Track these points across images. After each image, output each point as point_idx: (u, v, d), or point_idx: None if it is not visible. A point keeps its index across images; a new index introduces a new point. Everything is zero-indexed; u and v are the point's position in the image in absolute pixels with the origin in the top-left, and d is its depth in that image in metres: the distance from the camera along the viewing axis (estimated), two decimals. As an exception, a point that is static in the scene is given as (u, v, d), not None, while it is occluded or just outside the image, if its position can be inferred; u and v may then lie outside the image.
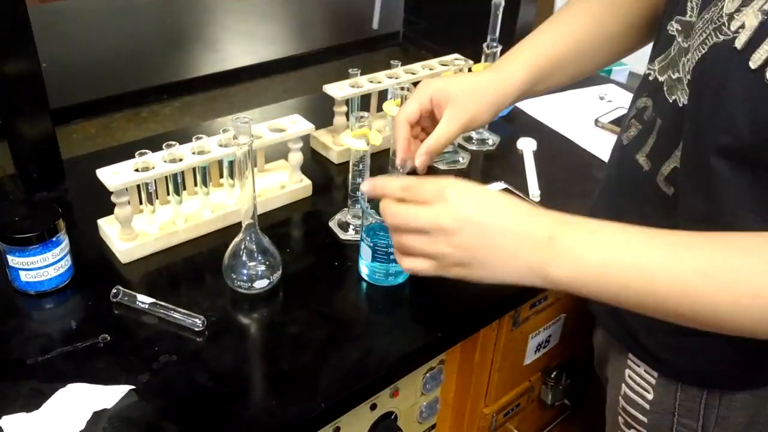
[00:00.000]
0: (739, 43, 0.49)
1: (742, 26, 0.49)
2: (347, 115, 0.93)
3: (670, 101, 0.58)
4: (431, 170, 0.94)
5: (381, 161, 0.88)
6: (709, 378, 0.61)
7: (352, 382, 0.61)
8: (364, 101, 0.95)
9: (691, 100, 0.55)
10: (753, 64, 0.48)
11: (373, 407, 0.70)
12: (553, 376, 0.92)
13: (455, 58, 1.00)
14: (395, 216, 0.55)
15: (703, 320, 0.49)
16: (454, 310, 0.70)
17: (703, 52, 0.53)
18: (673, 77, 0.58)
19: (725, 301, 0.47)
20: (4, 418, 0.55)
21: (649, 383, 0.65)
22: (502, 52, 0.95)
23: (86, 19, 1.24)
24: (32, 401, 0.56)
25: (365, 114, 0.73)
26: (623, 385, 0.68)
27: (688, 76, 0.55)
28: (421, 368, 0.73)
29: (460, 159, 0.96)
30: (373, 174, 0.82)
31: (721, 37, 0.51)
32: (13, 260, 0.66)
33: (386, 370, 0.64)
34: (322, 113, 0.97)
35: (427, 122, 0.69)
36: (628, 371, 0.67)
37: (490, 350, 0.81)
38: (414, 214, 0.54)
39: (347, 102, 0.92)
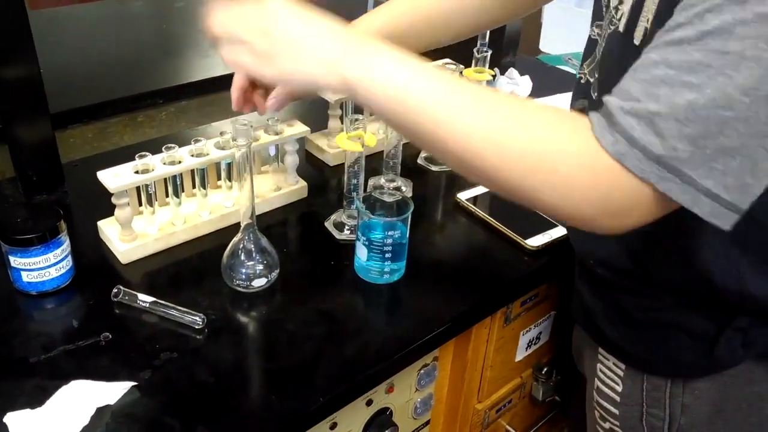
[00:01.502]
0: (621, 27, 0.56)
1: (623, 13, 0.56)
2: (341, 118, 0.95)
3: (595, 98, 0.63)
4: (426, 171, 0.96)
5: (376, 163, 0.90)
6: (671, 367, 0.64)
7: (348, 377, 0.63)
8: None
9: (599, 94, 0.61)
10: (636, 41, 0.54)
11: (369, 403, 0.72)
12: (543, 372, 0.94)
13: (446, 63, 1.02)
14: (220, 18, 0.58)
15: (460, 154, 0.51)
16: (447, 307, 0.72)
17: (603, 45, 0.61)
18: (600, 78, 0.63)
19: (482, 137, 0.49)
20: (9, 414, 0.56)
21: (618, 375, 0.67)
22: (492, 57, 0.98)
23: (82, 25, 1.25)
24: (36, 398, 0.58)
25: (359, 117, 0.75)
26: (596, 379, 0.71)
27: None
28: (416, 364, 0.74)
29: (452, 161, 0.98)
30: (367, 176, 0.84)
31: (612, 28, 0.58)
32: (15, 261, 0.67)
33: (381, 366, 0.65)
34: (317, 116, 0.98)
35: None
36: (599, 365, 0.70)
37: (482, 347, 0.82)
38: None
39: (341, 105, 0.94)
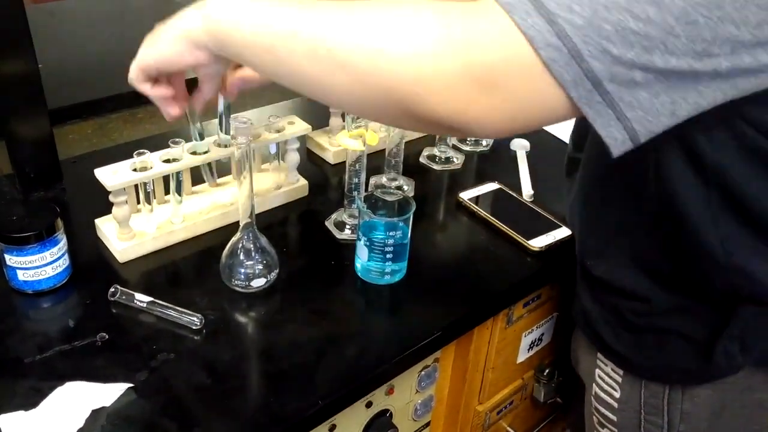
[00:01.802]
0: None
1: None
2: (343, 116, 0.94)
3: None
4: (428, 170, 0.95)
5: (377, 161, 0.89)
6: (669, 374, 0.63)
7: (348, 379, 0.62)
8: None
9: None
10: None
11: (369, 405, 0.71)
12: (545, 374, 0.93)
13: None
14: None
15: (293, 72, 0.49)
16: (448, 308, 0.71)
17: None
18: None
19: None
20: (3, 416, 0.55)
21: (616, 381, 0.67)
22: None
23: (82, 20, 1.24)
24: (30, 400, 0.57)
25: (361, 115, 0.74)
26: (594, 384, 0.70)
27: None
28: (416, 366, 0.74)
29: (455, 159, 0.97)
30: (368, 175, 0.83)
31: None
32: (11, 259, 0.66)
33: (382, 368, 0.64)
34: (318, 114, 0.97)
35: None
36: (597, 371, 0.69)
37: (484, 348, 0.82)
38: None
39: (343, 103, 0.93)
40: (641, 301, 0.62)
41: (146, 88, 0.63)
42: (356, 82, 0.45)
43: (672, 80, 0.40)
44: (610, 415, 0.68)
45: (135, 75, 0.63)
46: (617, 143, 0.41)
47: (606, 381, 0.68)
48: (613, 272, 0.63)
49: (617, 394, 0.67)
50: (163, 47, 0.58)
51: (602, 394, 0.69)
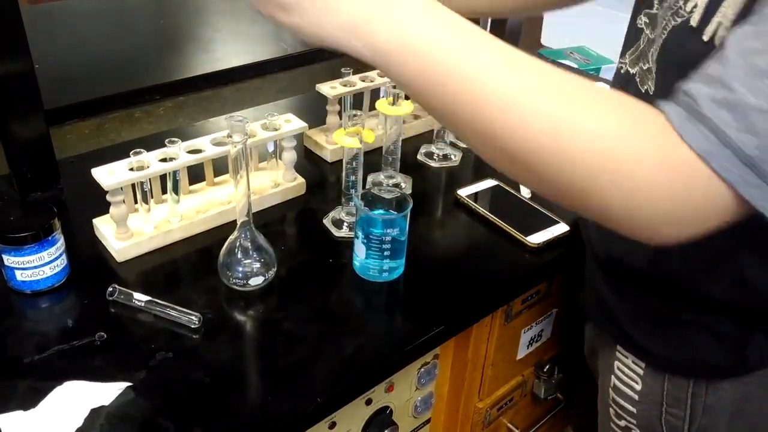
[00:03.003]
0: (694, 21, 0.51)
1: (695, 5, 0.51)
2: (340, 113, 0.94)
3: (642, 91, 0.60)
4: (425, 168, 0.95)
5: (375, 159, 0.89)
6: (695, 368, 0.62)
7: (347, 377, 0.62)
8: (357, 100, 0.95)
9: (657, 86, 0.57)
10: (705, 36, 0.50)
11: (369, 402, 0.71)
12: (545, 370, 0.93)
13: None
14: None
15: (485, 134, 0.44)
16: (447, 305, 0.71)
17: (664, 37, 0.55)
18: (644, 68, 0.60)
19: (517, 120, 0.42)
20: (2, 416, 0.55)
21: (637, 374, 0.66)
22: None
23: (78, 20, 1.24)
24: (29, 399, 0.57)
25: (358, 112, 0.74)
26: (612, 376, 0.69)
27: (656, 65, 0.57)
28: (416, 363, 0.74)
29: (452, 157, 0.97)
30: (366, 172, 0.83)
31: (679, 20, 0.53)
32: (9, 259, 0.66)
33: (381, 365, 0.64)
34: (315, 112, 0.97)
35: None
36: (616, 363, 0.69)
37: (483, 345, 0.82)
38: None
39: (340, 101, 0.93)
40: (670, 296, 0.61)
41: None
42: (554, 194, 0.45)
43: None
44: (630, 407, 0.68)
45: (273, 21, 0.50)
46: None
47: (626, 373, 0.67)
48: (642, 266, 0.62)
49: (638, 387, 0.66)
50: (316, 39, 0.48)
51: (621, 386, 0.68)
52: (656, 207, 0.42)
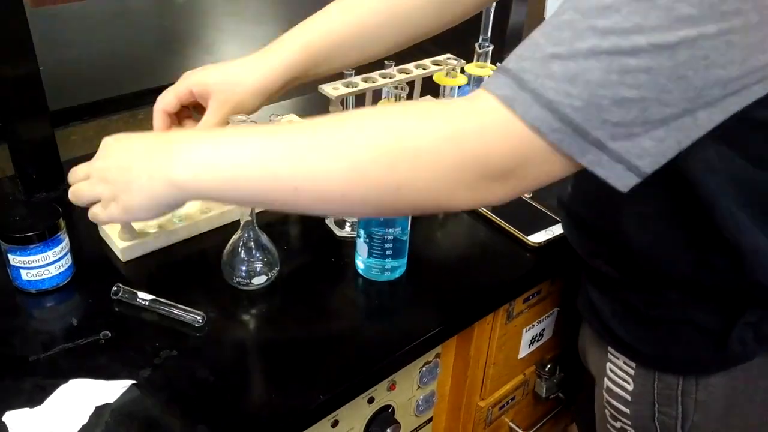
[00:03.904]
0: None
1: None
2: (342, 114, 0.94)
3: None
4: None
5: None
6: (683, 364, 0.63)
7: (349, 375, 0.62)
8: (359, 100, 0.96)
9: None
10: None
11: (371, 400, 0.71)
12: (547, 369, 0.94)
13: (448, 58, 1.01)
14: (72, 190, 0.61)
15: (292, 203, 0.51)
16: (449, 304, 0.71)
17: None
18: None
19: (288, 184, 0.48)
20: (8, 413, 0.56)
21: (628, 374, 0.67)
22: (494, 52, 0.97)
23: (83, 22, 1.25)
24: (35, 397, 0.57)
25: (360, 113, 0.74)
26: (605, 378, 0.70)
27: None
28: (418, 362, 0.74)
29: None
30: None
31: None
32: (14, 259, 0.67)
33: (383, 363, 0.65)
34: (317, 113, 0.97)
35: (199, 109, 0.70)
36: (609, 364, 0.69)
37: (485, 344, 0.82)
38: (80, 168, 0.61)
39: (342, 101, 0.93)
40: (653, 293, 0.62)
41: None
42: (380, 213, 0.51)
43: (671, 124, 0.43)
44: (623, 408, 0.68)
45: (105, 223, 0.67)
46: (628, 183, 0.44)
47: (618, 374, 0.68)
48: (623, 265, 0.63)
49: (630, 387, 0.67)
50: (139, 214, 0.57)
51: (614, 388, 0.69)
52: (459, 170, 0.44)
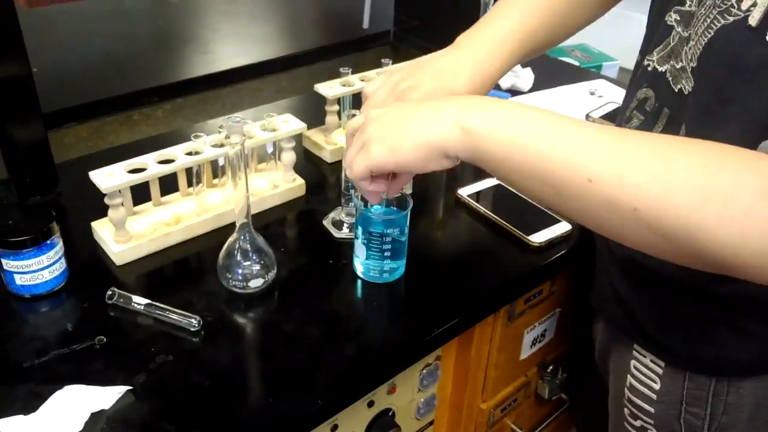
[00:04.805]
0: (753, 21, 0.50)
1: (754, 4, 0.49)
2: (339, 114, 0.94)
3: (676, 90, 0.59)
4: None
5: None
6: (718, 366, 0.62)
7: (348, 378, 0.61)
8: (356, 100, 0.95)
9: (697, 87, 0.56)
10: None
11: (371, 404, 0.71)
12: (549, 370, 0.93)
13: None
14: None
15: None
16: (448, 305, 0.70)
17: (710, 36, 0.54)
18: (677, 66, 0.59)
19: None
20: (2, 421, 0.55)
21: (655, 373, 0.65)
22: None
23: (77, 23, 1.24)
24: (29, 404, 0.56)
25: (357, 112, 0.73)
26: (628, 376, 0.68)
27: (693, 64, 0.56)
28: (418, 364, 0.73)
29: (453, 156, 0.96)
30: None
31: (730, 19, 0.51)
32: (8, 264, 0.66)
33: (382, 366, 0.64)
34: (314, 113, 0.97)
35: None
36: (633, 362, 0.68)
37: (486, 345, 0.81)
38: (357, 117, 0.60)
39: (339, 101, 0.92)
40: (702, 290, 0.60)
41: (365, 184, 0.59)
42: (664, 243, 0.46)
43: None
44: (647, 407, 0.67)
45: (362, 173, 0.57)
46: None
47: (643, 372, 0.67)
48: (665, 262, 0.62)
49: (657, 386, 0.65)
50: (406, 154, 0.54)
51: (639, 386, 0.67)
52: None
